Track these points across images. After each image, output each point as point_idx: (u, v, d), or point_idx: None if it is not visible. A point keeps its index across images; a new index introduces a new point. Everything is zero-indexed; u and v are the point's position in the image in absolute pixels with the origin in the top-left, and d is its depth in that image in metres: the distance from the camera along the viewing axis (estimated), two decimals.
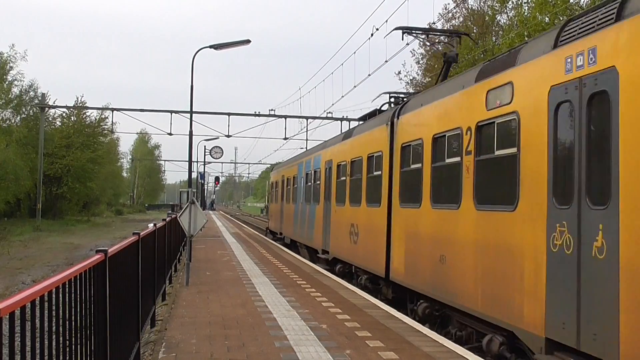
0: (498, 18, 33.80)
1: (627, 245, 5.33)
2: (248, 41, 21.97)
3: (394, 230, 11.58)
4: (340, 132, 28.58)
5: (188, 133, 21.97)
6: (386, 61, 24.95)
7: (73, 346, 3.68)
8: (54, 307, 3.27)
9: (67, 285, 3.54)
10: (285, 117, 42.66)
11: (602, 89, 5.82)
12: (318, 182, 19.39)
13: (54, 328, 3.26)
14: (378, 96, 17.41)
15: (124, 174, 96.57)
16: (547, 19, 25.03)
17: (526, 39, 23.57)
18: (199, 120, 78.81)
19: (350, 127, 16.71)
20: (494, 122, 7.99)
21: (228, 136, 41.62)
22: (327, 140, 20.16)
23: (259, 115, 42.60)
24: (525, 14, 27.57)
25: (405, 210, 11.09)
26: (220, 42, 21.24)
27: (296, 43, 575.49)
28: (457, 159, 8.89)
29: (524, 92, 7.27)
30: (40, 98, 47.91)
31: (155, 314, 9.39)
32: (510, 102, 7.56)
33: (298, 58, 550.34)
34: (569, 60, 6.38)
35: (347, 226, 15.09)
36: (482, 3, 35.07)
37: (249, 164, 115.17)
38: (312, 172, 20.62)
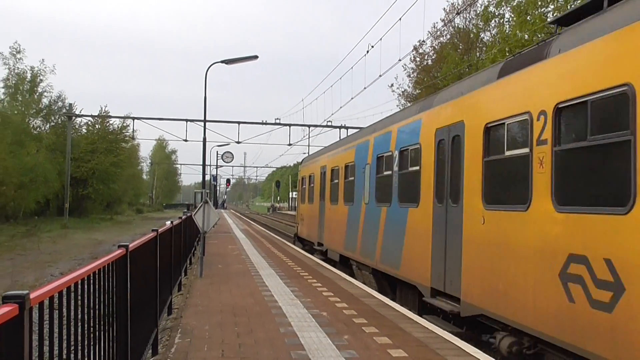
0: (482, 35, 33.81)
1: None
2: (256, 57, 21.98)
3: None
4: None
5: (202, 140, 21.98)
6: (380, 75, 25.01)
7: (97, 332, 3.67)
8: (79, 297, 3.27)
9: (91, 277, 3.53)
10: (290, 125, 42.82)
11: None
12: (416, 167, 10.52)
13: (79, 316, 3.25)
14: None
15: (144, 177, 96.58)
16: (526, 36, 24.99)
17: (507, 54, 23.56)
18: (212, 128, 78.97)
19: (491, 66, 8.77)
20: None
21: (238, 142, 41.70)
22: (426, 98, 11.27)
23: (265, 123, 42.82)
24: (507, 31, 27.52)
25: None
26: (230, 58, 21.24)
27: (299, 57, 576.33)
28: None
29: None
30: (67, 108, 47.93)
31: (172, 303, 9.37)
32: None
33: (301, 72, 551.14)
34: None
35: (543, 258, 6.26)
36: (467, 22, 35.10)
37: (256, 167, 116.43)
38: (395, 153, 11.68)
